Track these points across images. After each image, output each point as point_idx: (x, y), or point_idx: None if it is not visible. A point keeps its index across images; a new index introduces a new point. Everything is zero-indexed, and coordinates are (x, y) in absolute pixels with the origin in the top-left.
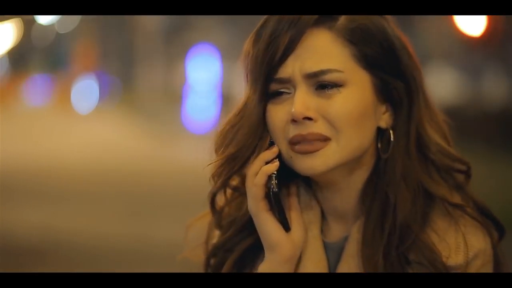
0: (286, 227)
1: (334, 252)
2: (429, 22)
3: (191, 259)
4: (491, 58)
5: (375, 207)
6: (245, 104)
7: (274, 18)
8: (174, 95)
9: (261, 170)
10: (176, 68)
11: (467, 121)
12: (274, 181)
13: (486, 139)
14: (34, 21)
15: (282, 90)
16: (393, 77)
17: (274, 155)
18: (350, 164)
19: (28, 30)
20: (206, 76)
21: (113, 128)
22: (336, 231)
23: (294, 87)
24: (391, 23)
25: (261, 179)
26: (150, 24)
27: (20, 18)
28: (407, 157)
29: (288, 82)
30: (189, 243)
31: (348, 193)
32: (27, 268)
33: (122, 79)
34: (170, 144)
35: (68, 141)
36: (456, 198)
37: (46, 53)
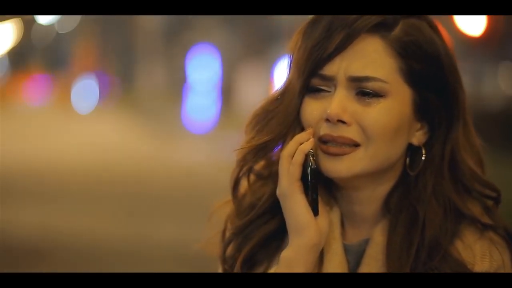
0: (316, 210)
1: (353, 254)
2: None
3: (207, 251)
4: (491, 58)
5: (402, 221)
6: (284, 93)
7: (329, 15)
8: (174, 95)
9: (298, 149)
10: (176, 68)
11: None
12: (311, 158)
13: (486, 139)
14: (34, 21)
15: (323, 87)
16: (435, 97)
17: (309, 136)
18: (375, 175)
19: (28, 30)
20: (206, 76)
21: (113, 128)
22: (355, 233)
23: (335, 87)
24: (444, 41)
25: (299, 158)
26: (150, 24)
27: (20, 18)
28: (440, 177)
29: (330, 80)
30: (210, 232)
31: (370, 201)
32: (26, 268)
33: (122, 79)
34: (170, 144)
35: (68, 141)
36: (487, 220)
37: (46, 53)
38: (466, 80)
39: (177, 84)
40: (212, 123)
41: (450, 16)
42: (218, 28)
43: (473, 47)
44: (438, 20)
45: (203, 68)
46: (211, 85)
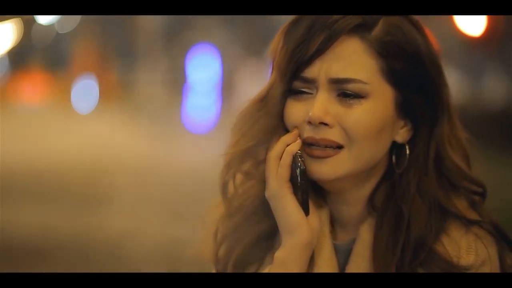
0: (307, 210)
1: (341, 253)
2: (429, 22)
3: (200, 255)
4: (491, 58)
5: (387, 220)
6: (268, 95)
7: (310, 16)
8: (174, 95)
9: (285, 150)
10: (176, 68)
11: (467, 121)
12: (300, 159)
13: (486, 139)
14: (34, 21)
15: (304, 89)
16: (418, 95)
17: (295, 137)
18: (360, 175)
19: (28, 30)
20: (206, 76)
21: (113, 128)
22: (344, 233)
23: (317, 89)
24: (426, 38)
25: (287, 159)
26: (150, 24)
27: (20, 18)
28: (424, 174)
29: (311, 82)
30: (202, 234)
31: (356, 200)
32: (26, 268)
33: (122, 79)
34: (170, 144)
35: (67, 141)
36: (473, 215)
37: (46, 53)
38: (466, 80)
39: (177, 84)
40: (212, 123)
41: (450, 16)
42: (218, 28)
43: (473, 47)
44: (438, 20)
45: (203, 68)
46: (211, 85)
